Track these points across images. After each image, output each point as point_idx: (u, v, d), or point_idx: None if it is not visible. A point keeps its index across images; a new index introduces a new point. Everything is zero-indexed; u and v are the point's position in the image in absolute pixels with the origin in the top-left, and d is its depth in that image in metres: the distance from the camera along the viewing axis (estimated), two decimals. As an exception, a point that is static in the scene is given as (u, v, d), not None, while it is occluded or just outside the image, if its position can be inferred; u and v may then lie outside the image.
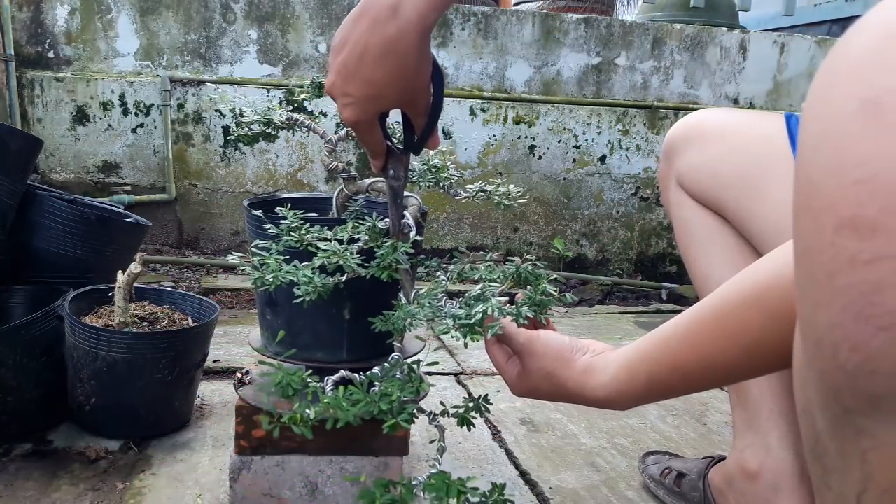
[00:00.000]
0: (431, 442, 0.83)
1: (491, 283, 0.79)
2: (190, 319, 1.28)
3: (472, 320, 0.70)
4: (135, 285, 1.24)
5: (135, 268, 1.18)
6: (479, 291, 0.76)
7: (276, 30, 2.64)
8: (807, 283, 0.31)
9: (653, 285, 2.88)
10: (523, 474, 1.19)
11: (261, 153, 2.68)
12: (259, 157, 2.69)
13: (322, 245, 0.80)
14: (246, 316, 2.06)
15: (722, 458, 1.05)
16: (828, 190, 0.29)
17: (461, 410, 0.82)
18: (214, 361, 1.54)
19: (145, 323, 1.23)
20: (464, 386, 1.58)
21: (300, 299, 0.76)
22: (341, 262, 0.78)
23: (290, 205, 0.89)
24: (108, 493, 1.03)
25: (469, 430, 0.82)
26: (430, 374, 1.58)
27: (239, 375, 1.00)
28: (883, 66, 0.27)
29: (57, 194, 1.46)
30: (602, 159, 2.92)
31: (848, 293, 0.28)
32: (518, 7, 4.52)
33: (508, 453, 1.26)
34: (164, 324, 1.25)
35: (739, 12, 3.33)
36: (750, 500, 0.94)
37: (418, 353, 0.98)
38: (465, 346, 0.72)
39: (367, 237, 0.83)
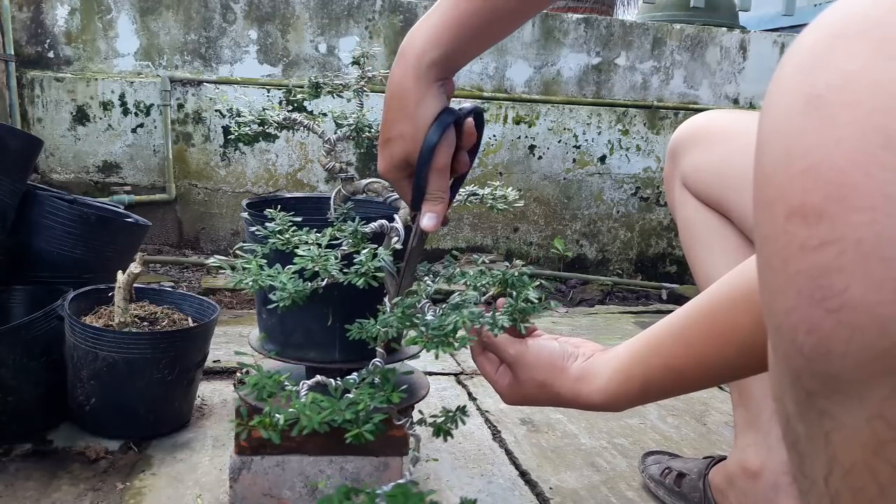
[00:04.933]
0: (411, 450, 0.82)
1: (473, 290, 0.78)
2: (190, 319, 1.28)
3: (445, 331, 0.67)
4: (135, 285, 1.24)
5: (135, 268, 1.18)
6: (457, 300, 0.74)
7: (276, 30, 2.64)
8: (765, 270, 0.32)
9: (653, 285, 2.88)
10: (523, 474, 1.19)
11: (261, 153, 2.68)
12: (259, 157, 2.69)
13: (301, 250, 0.79)
14: (246, 316, 2.06)
15: (722, 458, 1.05)
16: (778, 180, 0.30)
17: (439, 420, 0.81)
18: (214, 361, 1.54)
19: (145, 323, 1.23)
20: (464, 386, 1.58)
21: (274, 305, 0.76)
22: (317, 269, 0.78)
23: (280, 206, 0.89)
24: (108, 493, 1.03)
25: (445, 440, 0.81)
26: (430, 374, 1.58)
27: (239, 375, 1.00)
28: (826, 63, 0.29)
29: (57, 194, 1.46)
30: (602, 159, 2.92)
31: (800, 278, 0.29)
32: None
33: (508, 453, 1.26)
34: (164, 324, 1.25)
35: (739, 12, 3.33)
36: (751, 500, 0.94)
37: (417, 353, 0.98)
38: (437, 357, 0.70)
39: (350, 241, 0.82)
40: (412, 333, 0.70)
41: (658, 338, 0.63)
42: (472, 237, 2.88)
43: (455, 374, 1.64)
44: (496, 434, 1.33)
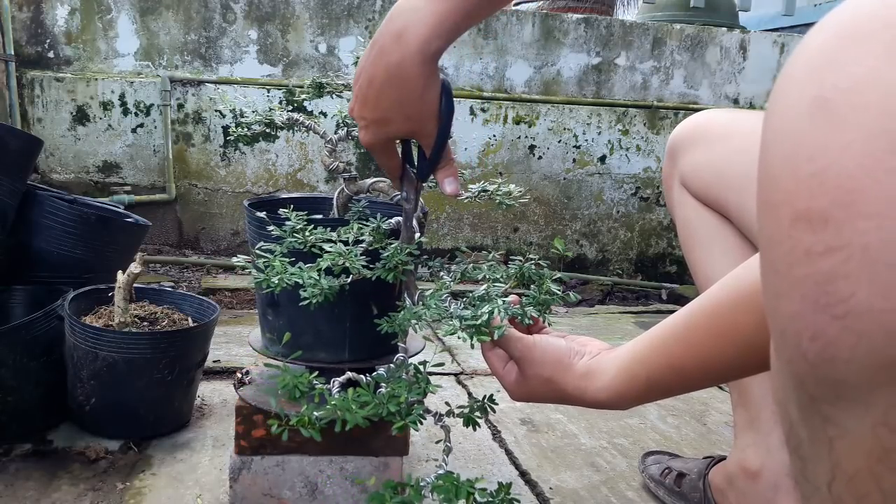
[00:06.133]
0: (437, 442, 0.84)
1: (495, 284, 0.79)
2: (190, 319, 1.28)
3: (479, 321, 0.70)
4: (135, 285, 1.24)
5: (135, 268, 1.18)
6: (483, 292, 0.76)
7: (276, 30, 2.64)
8: (770, 275, 0.32)
9: (653, 285, 2.88)
10: (523, 474, 1.19)
11: (261, 153, 2.68)
12: (259, 157, 2.69)
13: (327, 246, 0.80)
14: (246, 316, 2.06)
15: (722, 458, 1.05)
16: (784, 184, 0.30)
17: (466, 411, 0.81)
18: (214, 361, 1.54)
19: (145, 323, 1.23)
20: (464, 386, 1.58)
21: (306, 301, 0.76)
22: (347, 264, 0.78)
23: (292, 206, 0.89)
24: (108, 493, 1.03)
25: (475, 429, 0.82)
26: (431, 374, 1.57)
27: (239, 375, 1.00)
28: (834, 65, 0.28)
29: (57, 194, 1.46)
30: (602, 159, 2.92)
31: (805, 284, 0.29)
32: (518, 7, 4.52)
33: (508, 453, 1.26)
34: (164, 324, 1.25)
35: (739, 12, 3.33)
36: (751, 500, 0.94)
37: (419, 352, 0.98)
38: (472, 346, 0.72)
39: (371, 238, 0.83)
40: (446, 325, 0.71)
41: (661, 338, 0.64)
42: (473, 237, 2.88)
43: (455, 374, 1.64)
44: (496, 434, 1.33)
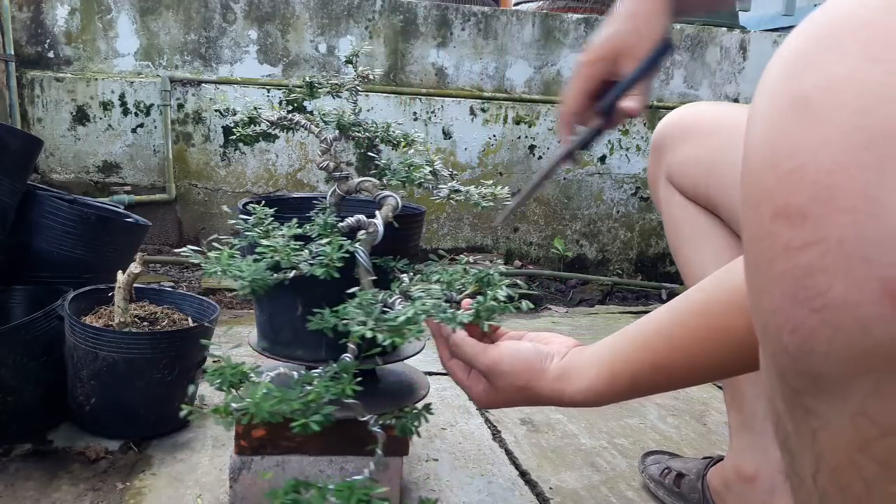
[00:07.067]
0: (377, 448, 0.82)
1: (448, 287, 0.78)
2: (190, 319, 1.28)
3: (396, 323, 0.67)
4: (135, 285, 1.24)
5: (135, 268, 1.18)
6: (419, 293, 0.74)
7: (276, 30, 2.64)
8: (752, 271, 0.32)
9: (653, 285, 2.88)
10: (523, 474, 1.19)
11: (261, 153, 2.68)
12: (259, 157, 2.69)
13: (265, 241, 0.79)
14: (246, 316, 2.06)
15: (721, 459, 1.05)
16: (765, 181, 0.30)
17: (403, 419, 0.80)
18: (214, 361, 1.53)
19: (145, 323, 1.24)
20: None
21: (240, 291, 0.76)
22: (279, 258, 0.77)
23: (263, 202, 0.89)
24: (108, 493, 1.03)
25: (410, 438, 0.80)
26: (430, 374, 1.57)
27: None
28: (813, 64, 0.29)
29: (57, 194, 1.47)
30: (602, 159, 2.92)
31: (785, 278, 0.29)
32: (518, 7, 4.52)
33: (508, 453, 1.26)
34: (164, 324, 1.25)
35: (739, 12, 3.33)
36: (749, 502, 0.94)
37: (416, 353, 0.98)
38: (385, 349, 0.70)
39: (321, 234, 0.82)
40: (357, 327, 0.69)
41: (644, 336, 0.63)
42: (472, 237, 2.88)
43: (455, 374, 1.64)
44: (496, 434, 1.33)
